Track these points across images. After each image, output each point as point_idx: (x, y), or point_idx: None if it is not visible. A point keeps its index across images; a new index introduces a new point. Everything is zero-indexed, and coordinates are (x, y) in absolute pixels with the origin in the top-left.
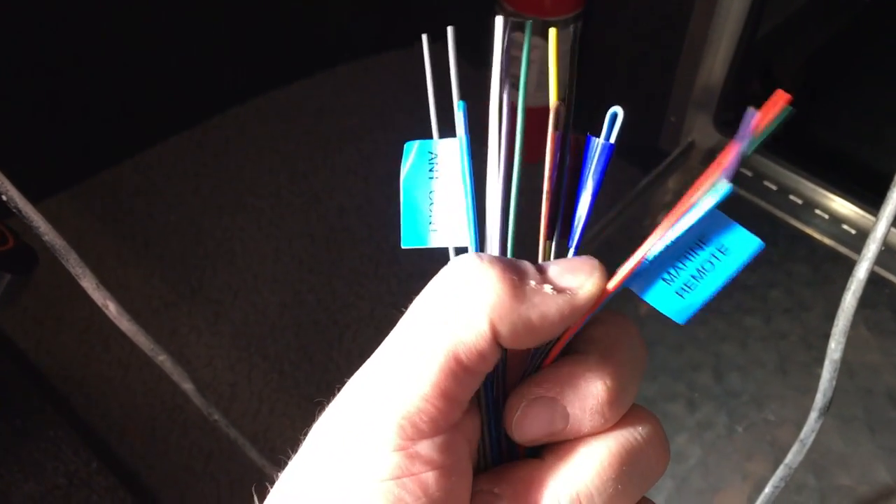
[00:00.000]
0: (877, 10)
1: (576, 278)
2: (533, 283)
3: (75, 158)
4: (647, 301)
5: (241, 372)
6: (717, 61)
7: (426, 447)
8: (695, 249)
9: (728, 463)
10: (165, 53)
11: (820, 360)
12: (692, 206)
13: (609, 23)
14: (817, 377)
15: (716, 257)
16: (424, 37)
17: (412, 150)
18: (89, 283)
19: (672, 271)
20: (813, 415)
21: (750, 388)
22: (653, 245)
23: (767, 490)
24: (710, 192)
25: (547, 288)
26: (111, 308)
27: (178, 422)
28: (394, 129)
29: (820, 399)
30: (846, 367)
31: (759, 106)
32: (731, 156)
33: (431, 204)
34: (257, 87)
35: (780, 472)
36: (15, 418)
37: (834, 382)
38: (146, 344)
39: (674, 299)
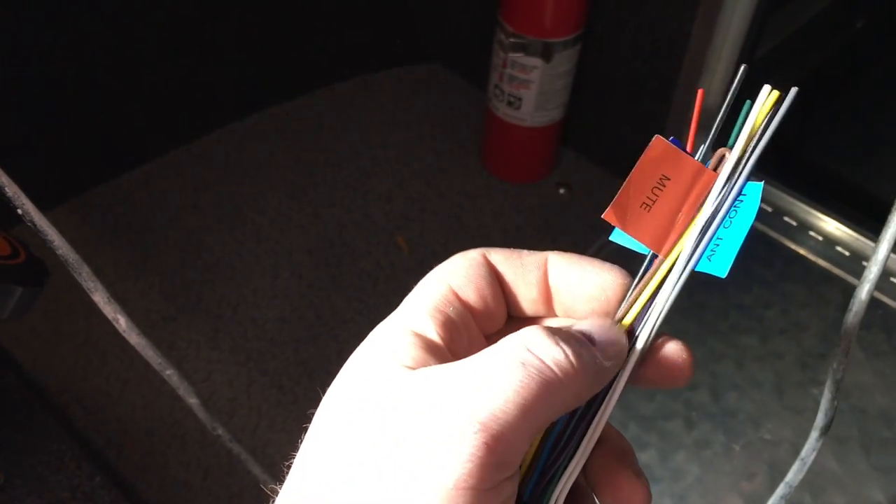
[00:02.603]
0: (870, 34)
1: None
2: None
3: (75, 172)
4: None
5: (240, 387)
6: (714, 82)
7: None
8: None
9: (726, 481)
10: (166, 69)
11: (815, 381)
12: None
13: (609, 44)
14: (813, 397)
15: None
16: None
17: None
18: (101, 297)
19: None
20: (814, 434)
21: (747, 407)
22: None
23: None
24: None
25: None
26: (122, 322)
27: (177, 437)
28: (393, 146)
29: (821, 419)
30: (840, 387)
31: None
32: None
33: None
34: (257, 103)
35: (781, 490)
36: (18, 431)
37: (836, 403)
38: (154, 358)
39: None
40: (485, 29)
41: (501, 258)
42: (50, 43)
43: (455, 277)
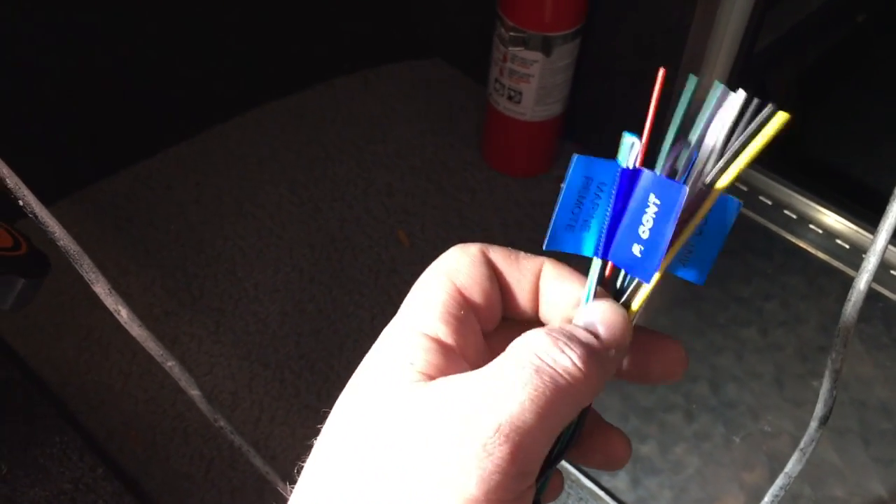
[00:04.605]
0: (870, 29)
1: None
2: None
3: (77, 167)
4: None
5: (242, 380)
6: (714, 75)
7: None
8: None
9: (726, 472)
10: (167, 64)
11: (815, 373)
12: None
13: (609, 37)
14: (813, 389)
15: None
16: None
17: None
18: (102, 289)
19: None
20: (813, 424)
21: (746, 399)
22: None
23: (767, 499)
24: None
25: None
26: (123, 314)
27: (179, 430)
28: (393, 141)
29: (820, 409)
30: (840, 379)
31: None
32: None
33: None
34: (258, 97)
35: (780, 480)
36: (21, 424)
37: (835, 393)
38: (156, 350)
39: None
40: (485, 23)
41: (500, 258)
42: (50, 38)
43: (459, 276)
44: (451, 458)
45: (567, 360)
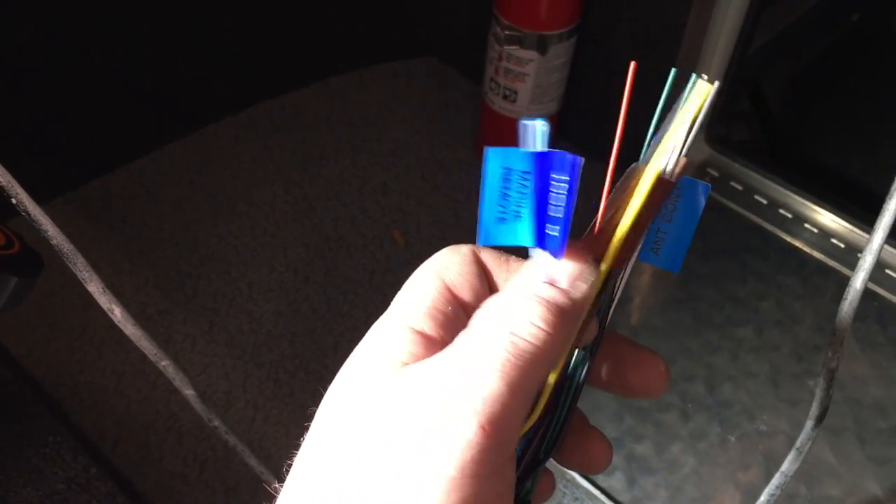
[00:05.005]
0: (865, 29)
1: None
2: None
3: (70, 165)
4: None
5: (236, 380)
6: (710, 75)
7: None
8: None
9: (721, 472)
10: (161, 63)
11: (811, 372)
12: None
13: (605, 36)
14: (808, 388)
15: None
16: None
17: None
18: (96, 288)
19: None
20: (809, 423)
21: (742, 398)
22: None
23: (763, 498)
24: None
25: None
26: (117, 312)
27: (173, 430)
28: (388, 141)
29: (816, 408)
30: (835, 376)
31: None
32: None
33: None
34: (252, 96)
35: (777, 479)
36: (13, 423)
37: (831, 392)
38: (150, 349)
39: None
40: (480, 22)
41: (490, 259)
42: (43, 37)
43: (449, 274)
44: (424, 436)
45: (532, 327)
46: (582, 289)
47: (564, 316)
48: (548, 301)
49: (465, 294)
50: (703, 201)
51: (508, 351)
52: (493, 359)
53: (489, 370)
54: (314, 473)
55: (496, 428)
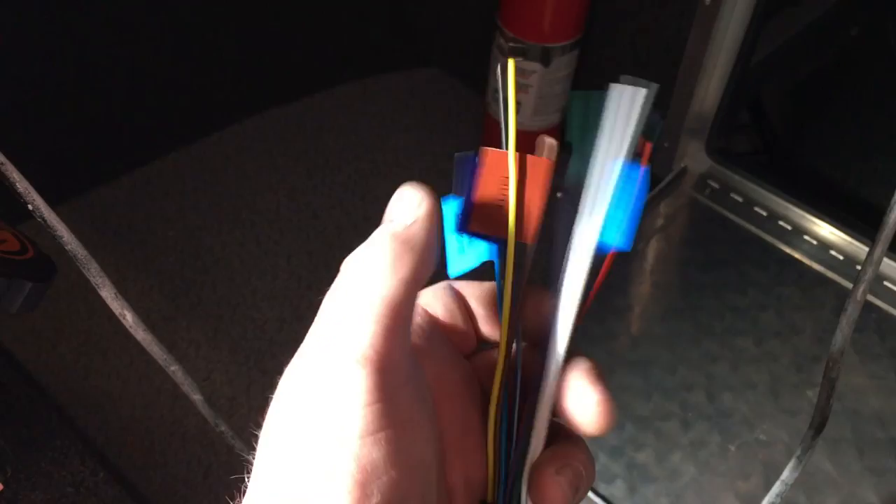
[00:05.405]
0: (864, 42)
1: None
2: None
3: (74, 174)
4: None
5: (240, 386)
6: (710, 89)
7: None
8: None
9: (721, 481)
10: (167, 73)
11: (810, 382)
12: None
13: (607, 49)
14: (808, 399)
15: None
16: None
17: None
18: (108, 293)
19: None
20: (809, 433)
21: (742, 408)
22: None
23: None
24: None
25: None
26: (128, 317)
27: (177, 435)
28: (392, 150)
29: (817, 416)
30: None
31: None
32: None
33: None
34: (257, 104)
35: (777, 488)
36: (22, 428)
37: (831, 402)
38: (159, 354)
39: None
40: (483, 34)
41: (464, 284)
42: (49, 45)
43: (423, 296)
44: (331, 330)
45: (409, 218)
46: (406, 221)
47: (397, 235)
48: (385, 232)
49: (438, 310)
50: (636, 176)
51: (390, 240)
52: (381, 250)
53: (380, 260)
54: (260, 468)
55: (391, 309)
